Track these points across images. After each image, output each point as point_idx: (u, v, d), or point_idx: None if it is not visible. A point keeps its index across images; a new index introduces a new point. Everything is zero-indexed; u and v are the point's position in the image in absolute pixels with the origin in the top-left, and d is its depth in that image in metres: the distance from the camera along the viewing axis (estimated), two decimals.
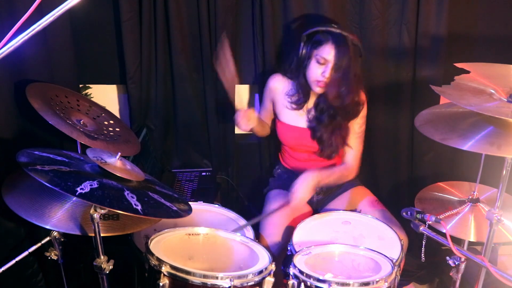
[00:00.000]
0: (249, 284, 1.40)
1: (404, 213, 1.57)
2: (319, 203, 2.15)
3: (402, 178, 2.44)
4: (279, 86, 2.07)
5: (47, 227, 1.36)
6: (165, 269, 1.37)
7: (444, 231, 1.47)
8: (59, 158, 1.39)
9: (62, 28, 1.95)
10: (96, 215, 1.28)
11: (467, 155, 1.55)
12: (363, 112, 2.04)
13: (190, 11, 2.12)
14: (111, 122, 1.89)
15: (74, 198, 1.41)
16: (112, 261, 1.41)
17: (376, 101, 2.15)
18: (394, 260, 1.54)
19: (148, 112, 2.31)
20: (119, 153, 1.40)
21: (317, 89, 1.93)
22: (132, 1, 2.07)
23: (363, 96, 2.01)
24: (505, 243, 2.12)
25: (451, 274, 1.59)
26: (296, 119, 2.07)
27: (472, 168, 1.80)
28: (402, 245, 1.68)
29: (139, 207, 1.28)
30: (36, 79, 1.79)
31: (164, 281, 1.37)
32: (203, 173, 2.37)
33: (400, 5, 2.15)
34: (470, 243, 1.69)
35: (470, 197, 1.73)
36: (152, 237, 1.50)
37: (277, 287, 1.49)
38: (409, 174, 2.44)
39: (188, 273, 1.36)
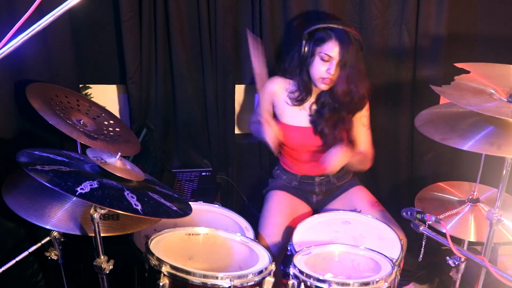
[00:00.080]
0: (249, 284, 1.40)
1: (404, 213, 1.57)
2: (319, 203, 2.15)
3: (402, 178, 2.44)
4: (278, 88, 2.06)
5: (47, 227, 1.36)
6: (165, 269, 1.37)
7: (444, 231, 1.47)
8: (59, 158, 1.39)
9: (62, 28, 1.95)
10: (96, 215, 1.28)
11: (467, 155, 1.55)
12: (367, 104, 2.05)
13: (190, 11, 2.12)
14: (111, 122, 1.89)
15: (74, 198, 1.41)
16: (112, 261, 1.41)
17: (376, 101, 2.14)
18: (394, 260, 1.54)
19: (148, 112, 2.31)
20: (119, 153, 1.40)
21: (322, 86, 1.93)
22: (132, 1, 2.07)
23: (367, 88, 2.01)
24: (505, 243, 2.12)
25: (451, 274, 1.59)
26: (298, 119, 2.06)
27: (472, 168, 1.80)
28: (402, 245, 1.68)
29: (139, 207, 1.28)
30: (36, 79, 1.79)
31: (164, 281, 1.37)
32: (203, 173, 2.37)
33: (400, 5, 2.15)
34: (470, 243, 1.69)
35: (470, 197, 1.73)
36: (152, 237, 1.50)
37: (277, 287, 1.49)
38: (409, 174, 2.44)
39: (188, 273, 1.36)
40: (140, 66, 2.19)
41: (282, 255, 1.84)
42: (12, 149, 1.40)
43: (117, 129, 1.86)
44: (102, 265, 1.38)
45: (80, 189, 1.22)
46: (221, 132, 2.36)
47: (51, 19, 0.95)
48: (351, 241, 1.73)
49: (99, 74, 2.30)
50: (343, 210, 1.97)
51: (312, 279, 1.45)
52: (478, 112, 1.32)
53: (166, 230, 1.56)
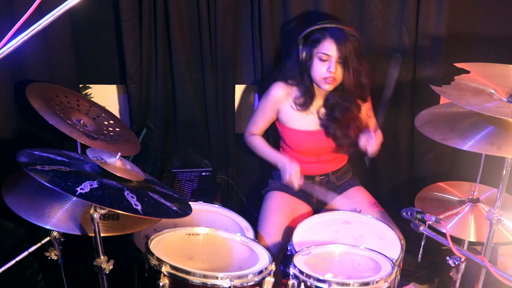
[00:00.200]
0: (249, 284, 1.40)
1: (404, 213, 1.56)
2: (319, 203, 2.15)
3: (402, 178, 2.44)
4: (283, 94, 2.04)
5: (47, 227, 1.36)
6: (165, 269, 1.37)
7: (444, 231, 1.47)
8: (59, 158, 1.39)
9: (62, 28, 1.95)
10: (96, 215, 1.28)
11: (467, 155, 1.55)
12: (369, 96, 2.07)
13: (190, 11, 2.12)
14: (111, 122, 1.89)
15: (74, 198, 1.41)
16: (112, 261, 1.41)
17: (376, 101, 2.14)
18: (394, 260, 1.54)
19: (148, 112, 2.31)
20: (119, 153, 1.40)
21: (326, 87, 1.93)
22: (132, 1, 2.08)
23: (371, 76, 2.03)
24: (505, 243, 2.12)
25: (451, 274, 1.59)
26: (307, 123, 2.04)
27: (472, 168, 1.80)
28: (402, 245, 1.68)
29: (139, 207, 1.28)
30: (36, 79, 1.79)
31: (164, 281, 1.37)
32: (203, 173, 2.37)
33: (400, 5, 2.15)
34: (470, 243, 1.69)
35: (470, 197, 1.73)
36: (152, 237, 1.50)
37: (277, 287, 1.49)
38: (409, 174, 2.44)
39: (188, 273, 1.36)
40: (140, 66, 2.19)
41: (282, 255, 1.84)
42: (12, 149, 1.40)
43: (117, 129, 1.86)
44: (102, 265, 1.38)
45: (80, 189, 1.22)
46: (221, 132, 2.36)
47: (51, 19, 0.95)
48: (351, 241, 1.73)
49: (99, 74, 2.30)
50: (343, 210, 1.97)
51: (312, 279, 1.45)
52: (478, 112, 1.32)
53: (166, 230, 1.56)
